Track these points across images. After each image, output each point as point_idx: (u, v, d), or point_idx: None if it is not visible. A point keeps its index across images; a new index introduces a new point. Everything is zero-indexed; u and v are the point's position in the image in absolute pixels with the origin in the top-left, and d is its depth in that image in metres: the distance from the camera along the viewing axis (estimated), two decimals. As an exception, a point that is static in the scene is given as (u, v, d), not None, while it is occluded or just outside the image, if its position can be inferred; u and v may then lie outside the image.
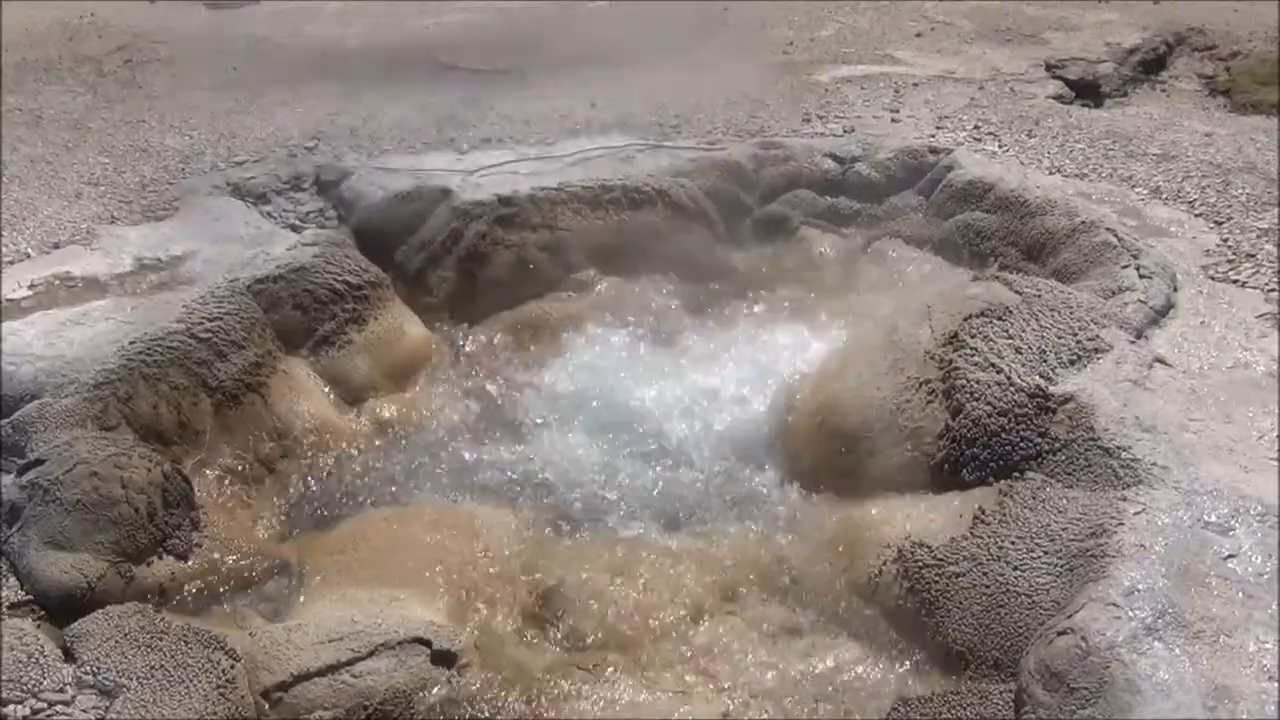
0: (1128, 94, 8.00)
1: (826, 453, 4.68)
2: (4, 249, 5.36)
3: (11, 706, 3.21)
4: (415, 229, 5.93)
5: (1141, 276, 4.84)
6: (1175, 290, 4.83)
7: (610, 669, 3.76)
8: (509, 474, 4.85)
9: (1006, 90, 7.66)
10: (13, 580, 3.77)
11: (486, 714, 3.58)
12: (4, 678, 3.28)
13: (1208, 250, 5.23)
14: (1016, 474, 3.99)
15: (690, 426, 5.07)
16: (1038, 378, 4.14)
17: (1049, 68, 8.13)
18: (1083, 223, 5.37)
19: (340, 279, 5.39)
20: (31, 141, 6.80)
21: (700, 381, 5.33)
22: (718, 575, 4.20)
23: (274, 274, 5.21)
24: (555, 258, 5.96)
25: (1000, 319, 4.47)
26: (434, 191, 6.02)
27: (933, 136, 6.66)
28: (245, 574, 4.17)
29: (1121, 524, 3.46)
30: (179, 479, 4.24)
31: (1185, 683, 2.90)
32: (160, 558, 4.03)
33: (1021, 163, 6.34)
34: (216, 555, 4.18)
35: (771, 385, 5.16)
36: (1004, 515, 3.80)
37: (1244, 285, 4.90)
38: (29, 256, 5.34)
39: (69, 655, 3.43)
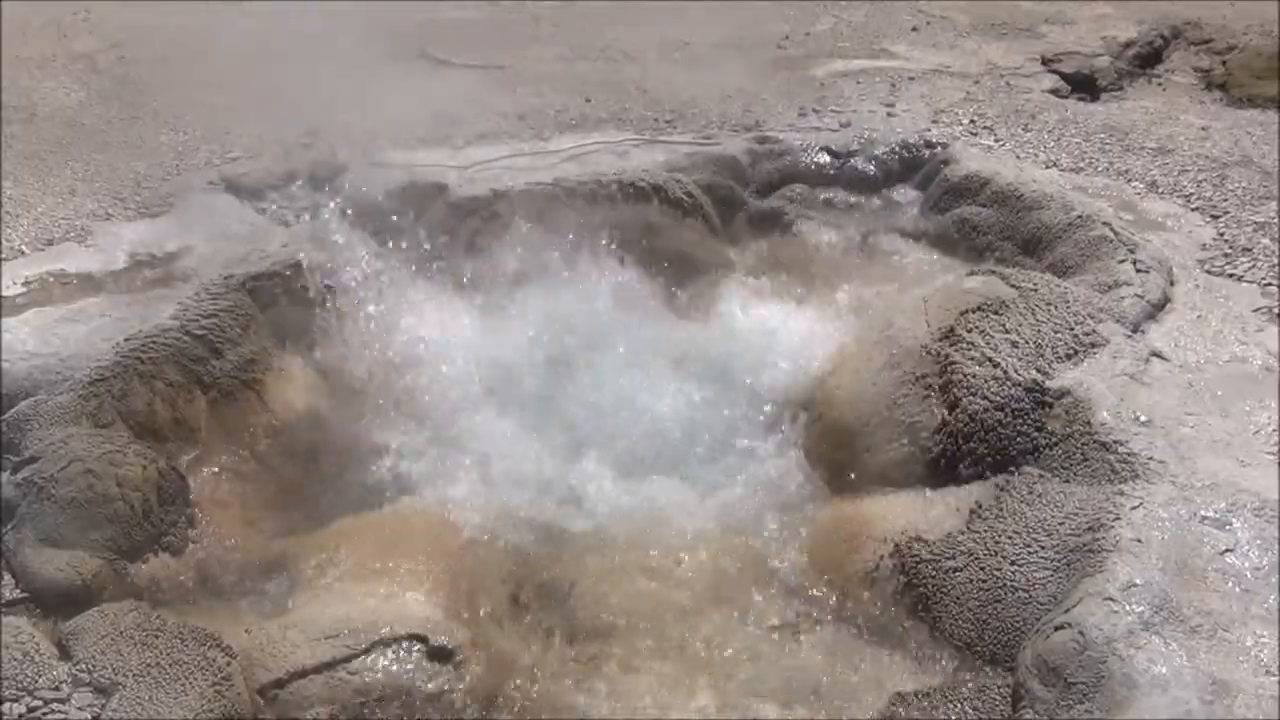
0: (1124, 88, 7.98)
1: (823, 448, 4.68)
2: (-1, 246, 5.35)
3: (8, 704, 3.21)
4: (411, 225, 5.91)
5: (1138, 271, 4.84)
6: (1172, 284, 4.83)
7: (607, 664, 3.76)
8: (507, 470, 4.84)
9: (1002, 84, 7.65)
10: (8, 578, 3.76)
11: (483, 710, 3.58)
12: (0, 676, 3.27)
13: (1204, 244, 5.23)
14: (1013, 469, 3.99)
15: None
16: (1034, 372, 4.14)
17: (1045, 62, 8.11)
18: (1079, 217, 5.36)
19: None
20: (25, 138, 6.77)
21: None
22: (714, 570, 4.19)
23: (269, 270, 5.20)
24: (551, 254, 5.95)
25: (997, 313, 4.47)
26: (429, 187, 6.00)
27: (929, 130, 6.65)
28: (241, 571, 4.17)
29: (1118, 519, 3.46)
30: (174, 476, 4.23)
31: (1183, 677, 2.90)
32: (156, 555, 4.03)
33: (1018, 157, 6.33)
34: (212, 552, 4.18)
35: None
36: (1001, 510, 3.80)
37: (1240, 279, 4.90)
38: (23, 253, 5.32)
39: (65, 653, 3.42)
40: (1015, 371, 4.16)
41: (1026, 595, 3.49)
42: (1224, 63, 8.10)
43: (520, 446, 4.93)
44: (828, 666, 3.71)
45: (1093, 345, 4.26)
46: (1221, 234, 5.30)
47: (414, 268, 5.65)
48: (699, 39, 8.86)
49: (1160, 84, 8.08)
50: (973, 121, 6.87)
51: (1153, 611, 3.10)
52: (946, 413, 4.28)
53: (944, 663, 3.63)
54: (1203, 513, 3.46)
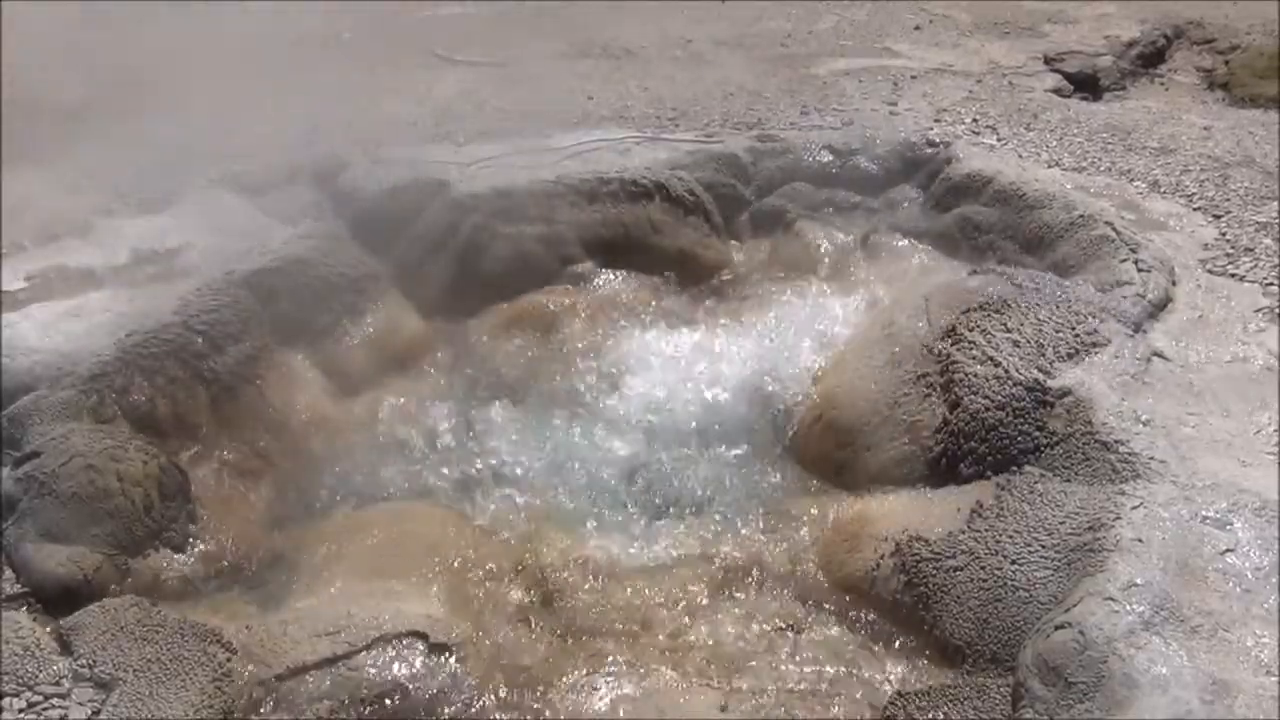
0: (1126, 87, 7.98)
1: (824, 446, 4.68)
2: (1, 241, 5.34)
3: (8, 699, 3.21)
4: (412, 221, 5.91)
5: (1140, 270, 4.84)
6: (1173, 284, 4.83)
7: (607, 662, 3.75)
8: (505, 465, 4.84)
9: (1005, 83, 7.65)
10: (8, 572, 3.77)
11: (483, 708, 3.57)
12: (1, 670, 3.28)
13: (1206, 244, 5.22)
14: (1014, 468, 3.98)
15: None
16: (1036, 371, 4.14)
17: (1047, 61, 8.11)
18: (1081, 216, 5.36)
19: (337, 271, 5.38)
20: (27, 134, 6.77)
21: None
22: (714, 568, 4.19)
23: (270, 266, 5.20)
24: (551, 250, 5.95)
25: (998, 312, 4.47)
26: (431, 184, 6.00)
27: (931, 129, 6.64)
28: (242, 567, 4.17)
29: (1119, 518, 3.45)
30: (175, 472, 4.23)
31: (1183, 677, 2.90)
32: (157, 550, 4.03)
33: (1020, 156, 6.32)
34: (213, 548, 4.18)
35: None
36: (1001, 509, 3.80)
37: (1242, 279, 4.89)
38: (25, 248, 5.32)
39: (65, 648, 3.42)
40: (1016, 370, 4.16)
41: (1027, 594, 3.49)
42: (1226, 62, 8.11)
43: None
44: (828, 666, 3.71)
45: (1094, 345, 4.26)
46: (1223, 234, 5.30)
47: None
48: (701, 36, 8.87)
49: (1163, 83, 8.08)
50: (975, 120, 6.87)
51: (1153, 611, 3.09)
52: (948, 411, 4.28)
53: (944, 662, 3.63)
54: (1204, 513, 3.45)
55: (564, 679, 3.67)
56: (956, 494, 4.07)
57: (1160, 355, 4.31)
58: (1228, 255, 5.09)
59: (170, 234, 5.52)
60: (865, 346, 4.82)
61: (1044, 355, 4.21)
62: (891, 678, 3.65)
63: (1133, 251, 4.98)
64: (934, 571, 3.76)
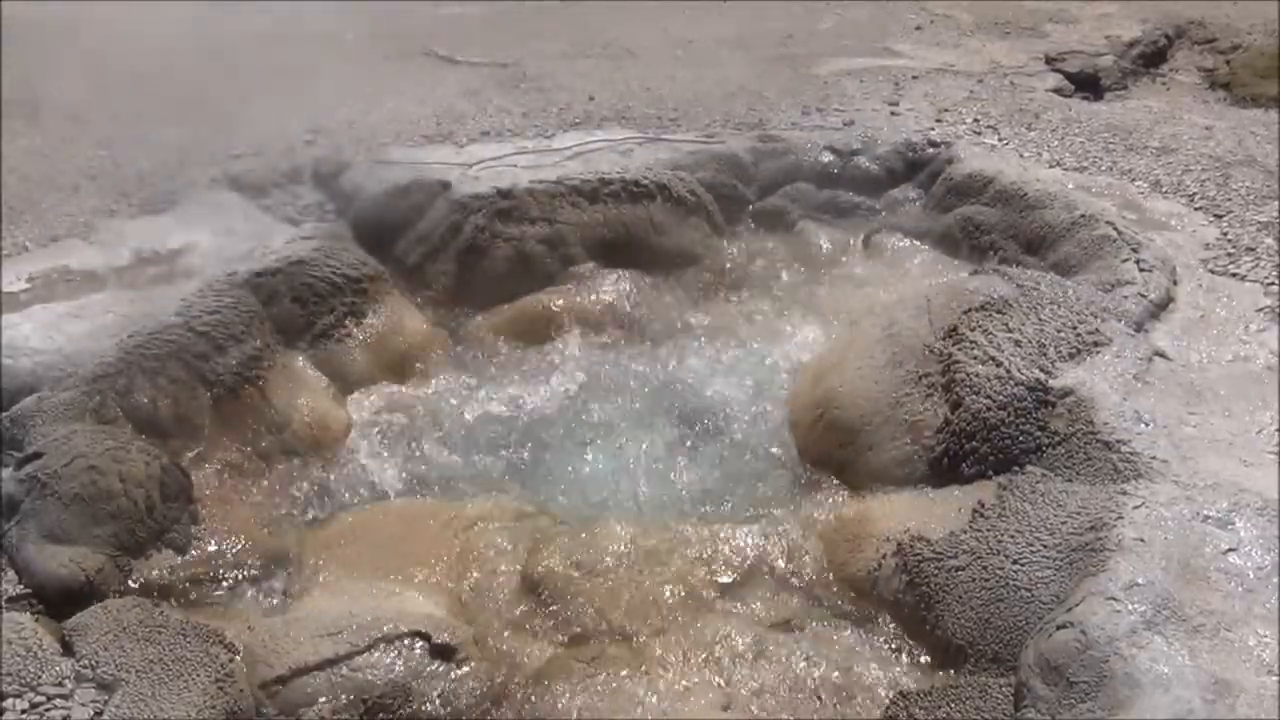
0: (1127, 87, 7.98)
1: (825, 446, 4.68)
2: (2, 242, 5.35)
3: (10, 700, 3.21)
4: (414, 222, 5.92)
5: (1141, 270, 4.84)
6: (1175, 284, 4.83)
7: (609, 662, 3.75)
8: (506, 466, 4.84)
9: (1006, 83, 7.65)
10: (11, 573, 3.77)
11: (485, 708, 3.58)
12: (3, 671, 3.28)
13: (1207, 244, 5.22)
14: (1016, 468, 3.99)
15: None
16: (1037, 371, 4.14)
17: (1048, 61, 8.11)
18: (1082, 216, 5.36)
19: (339, 272, 5.39)
20: (29, 134, 6.78)
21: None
22: (716, 568, 4.19)
23: (272, 267, 5.21)
24: (553, 251, 5.95)
25: (1000, 312, 4.47)
26: (433, 185, 6.00)
27: (932, 129, 6.65)
28: (244, 567, 4.17)
29: (1121, 518, 3.45)
30: (177, 472, 4.24)
31: (1185, 676, 2.90)
32: (159, 551, 4.04)
33: (1021, 156, 6.32)
34: (215, 549, 4.18)
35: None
36: (1003, 509, 3.80)
37: (1244, 279, 4.89)
38: (27, 249, 5.33)
39: (68, 649, 3.42)
40: (1018, 370, 4.16)
41: (1029, 594, 3.49)
42: (1228, 62, 8.11)
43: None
44: (830, 665, 3.71)
45: (1095, 344, 4.26)
46: (1225, 233, 5.30)
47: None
48: (702, 36, 8.87)
49: (1164, 83, 8.07)
50: (976, 120, 6.86)
51: (1155, 611, 3.09)
52: (949, 411, 4.28)
53: (947, 662, 3.63)
54: (1205, 512, 3.45)
55: (566, 678, 3.67)
56: (958, 494, 4.08)
57: (1162, 355, 4.31)
58: (1229, 255, 5.09)
59: (172, 235, 5.53)
60: (867, 346, 4.81)
61: (1045, 355, 4.22)
62: (893, 678, 3.65)
63: (1134, 251, 4.98)
64: (936, 571, 3.76)
